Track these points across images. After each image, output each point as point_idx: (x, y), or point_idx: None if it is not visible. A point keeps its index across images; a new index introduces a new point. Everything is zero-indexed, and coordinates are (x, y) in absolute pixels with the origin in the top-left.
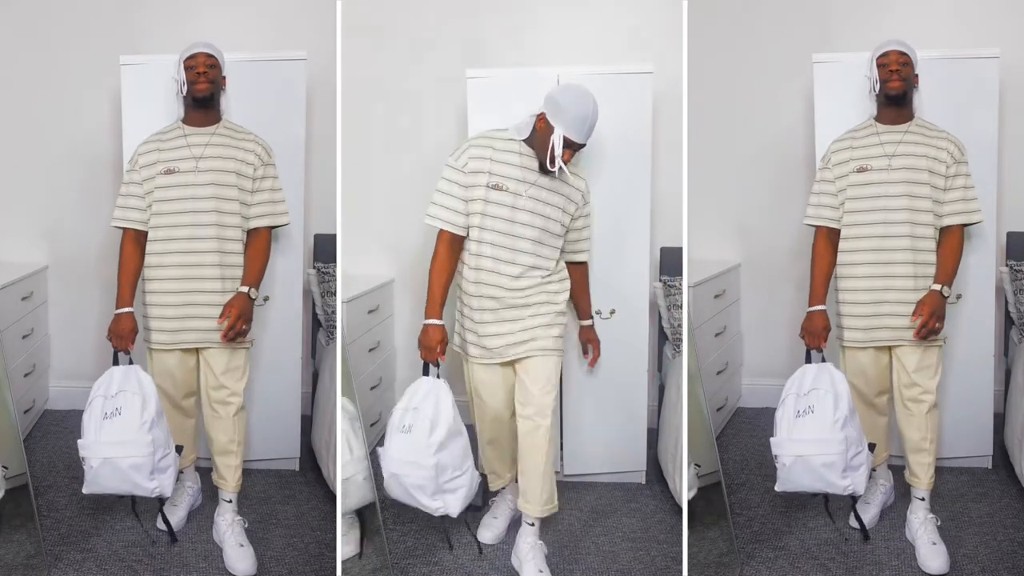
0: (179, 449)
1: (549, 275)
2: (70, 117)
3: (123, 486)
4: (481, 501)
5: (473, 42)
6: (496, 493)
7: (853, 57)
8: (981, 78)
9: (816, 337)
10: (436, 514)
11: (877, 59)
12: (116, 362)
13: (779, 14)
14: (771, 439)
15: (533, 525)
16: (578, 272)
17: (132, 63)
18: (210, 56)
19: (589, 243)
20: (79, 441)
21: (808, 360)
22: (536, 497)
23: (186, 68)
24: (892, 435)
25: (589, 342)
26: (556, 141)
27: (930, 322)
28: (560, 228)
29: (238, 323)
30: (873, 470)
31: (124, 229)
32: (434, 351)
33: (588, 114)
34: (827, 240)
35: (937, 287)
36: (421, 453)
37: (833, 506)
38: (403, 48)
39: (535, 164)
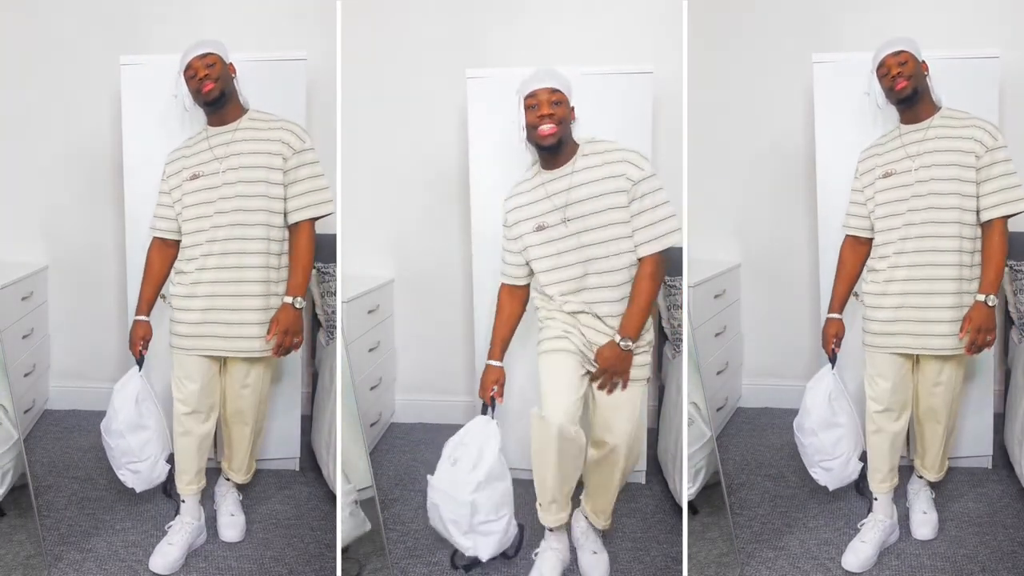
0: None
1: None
2: (70, 117)
3: None
4: (514, 552)
5: (473, 42)
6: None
7: (853, 57)
8: (981, 78)
9: (827, 342)
10: (467, 553)
11: (877, 71)
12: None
13: (779, 14)
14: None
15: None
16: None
17: (132, 63)
18: (204, 56)
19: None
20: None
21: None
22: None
23: (187, 80)
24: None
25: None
26: (519, 110)
27: (978, 338)
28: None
29: (285, 339)
30: (876, 499)
31: (153, 237)
32: (487, 390)
33: (543, 68)
34: (852, 249)
35: (981, 297)
36: (460, 488)
37: (833, 505)
38: (403, 48)
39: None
